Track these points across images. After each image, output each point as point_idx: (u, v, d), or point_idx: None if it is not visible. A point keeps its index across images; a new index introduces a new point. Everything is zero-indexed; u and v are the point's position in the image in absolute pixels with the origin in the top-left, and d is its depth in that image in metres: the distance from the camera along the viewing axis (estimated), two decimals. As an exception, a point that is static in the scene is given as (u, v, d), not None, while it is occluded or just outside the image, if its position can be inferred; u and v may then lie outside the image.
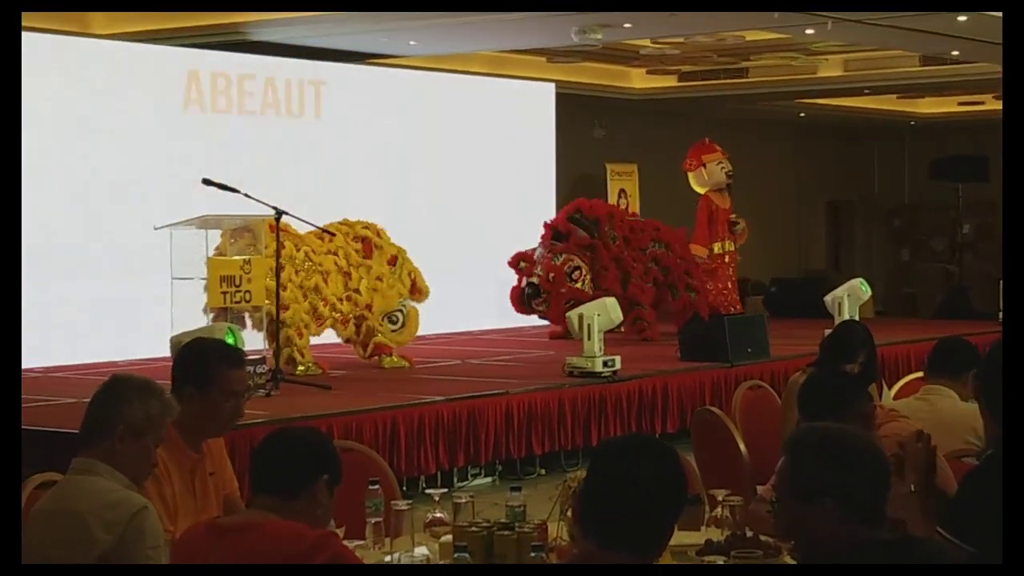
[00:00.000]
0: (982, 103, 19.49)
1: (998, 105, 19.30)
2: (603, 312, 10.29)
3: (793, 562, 3.28)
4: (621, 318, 10.52)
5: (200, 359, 4.51)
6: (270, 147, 12.73)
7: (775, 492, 3.17)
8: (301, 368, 10.29)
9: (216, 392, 4.41)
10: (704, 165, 15.01)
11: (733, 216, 15.15)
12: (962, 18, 11.68)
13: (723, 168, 15.04)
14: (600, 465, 3.00)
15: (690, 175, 15.30)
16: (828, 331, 7.40)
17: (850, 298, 11.92)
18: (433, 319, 13.48)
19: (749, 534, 4.12)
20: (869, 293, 12.14)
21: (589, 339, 10.15)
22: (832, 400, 4.40)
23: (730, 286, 15.06)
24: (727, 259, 15.01)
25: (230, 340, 7.96)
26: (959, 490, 3.80)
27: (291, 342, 10.24)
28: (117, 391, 3.88)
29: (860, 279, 12.24)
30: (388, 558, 4.01)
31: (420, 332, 12.88)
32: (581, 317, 10.31)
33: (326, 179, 13.11)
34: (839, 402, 4.40)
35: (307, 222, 10.80)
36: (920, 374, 6.68)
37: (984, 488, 3.71)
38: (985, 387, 3.95)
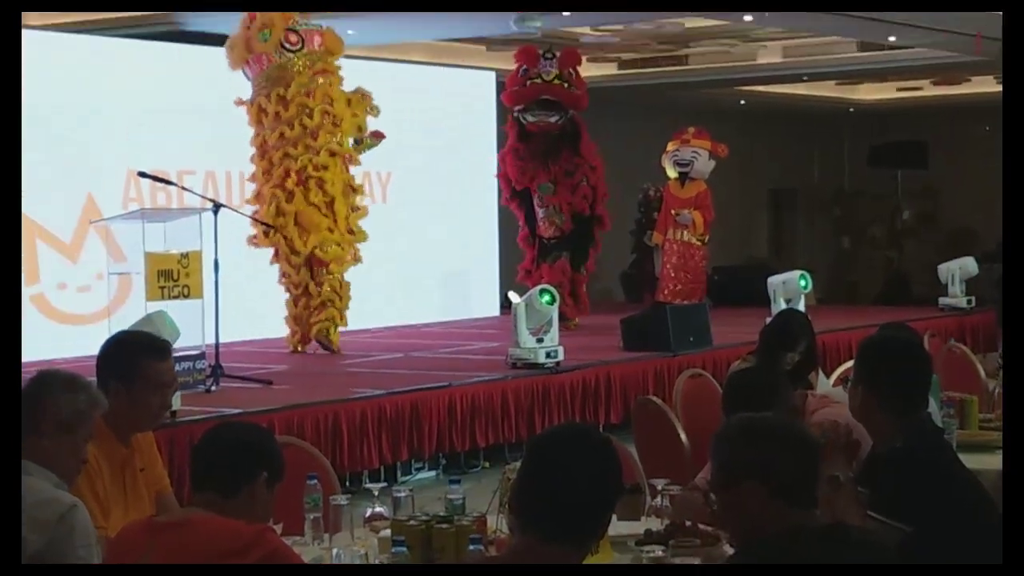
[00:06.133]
0: (920, 88, 19.63)
1: (936, 90, 19.46)
2: (530, 302, 10.13)
3: (732, 551, 3.26)
4: (550, 312, 10.18)
5: (124, 353, 4.41)
6: (208, 136, 12.59)
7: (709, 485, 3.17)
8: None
9: (142, 386, 4.32)
10: (666, 152, 14.92)
11: (685, 210, 14.44)
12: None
13: (673, 157, 14.82)
14: (535, 457, 2.97)
15: None
16: (769, 319, 7.41)
17: (786, 287, 11.91)
18: (376, 312, 13.43)
19: (688, 523, 4.11)
20: (809, 288, 12.14)
21: (516, 329, 10.08)
22: (754, 400, 4.32)
23: (680, 275, 14.56)
24: (664, 247, 14.57)
25: (168, 324, 7.80)
26: (882, 475, 3.84)
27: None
28: (43, 386, 3.80)
29: (802, 272, 12.21)
30: (327, 555, 3.97)
31: (363, 325, 12.81)
32: (512, 305, 10.22)
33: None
34: (762, 400, 4.32)
35: (245, 215, 10.74)
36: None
37: (901, 475, 3.77)
38: (879, 382, 3.98)
